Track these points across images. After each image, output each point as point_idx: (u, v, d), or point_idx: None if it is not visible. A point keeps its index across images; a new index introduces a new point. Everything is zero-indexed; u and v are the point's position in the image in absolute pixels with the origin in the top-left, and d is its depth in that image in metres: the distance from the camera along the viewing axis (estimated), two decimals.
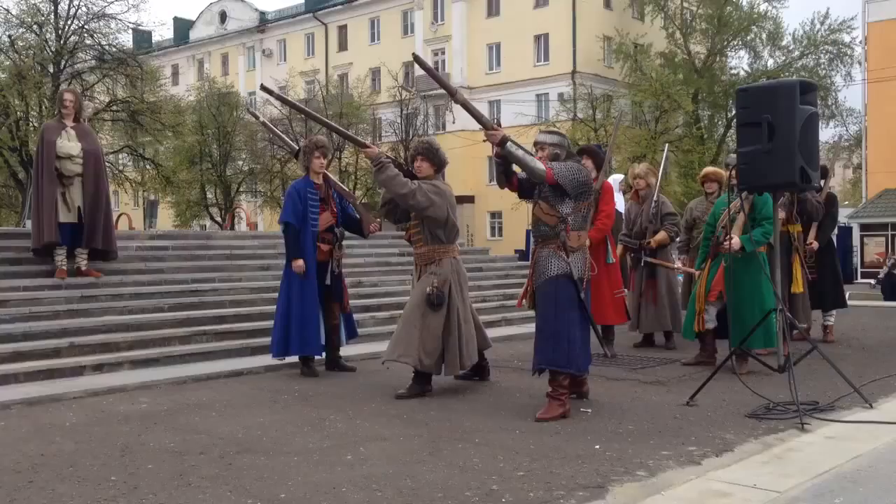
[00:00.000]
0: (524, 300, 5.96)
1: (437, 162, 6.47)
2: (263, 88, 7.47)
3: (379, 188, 6.50)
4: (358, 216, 7.53)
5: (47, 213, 8.16)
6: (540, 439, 4.80)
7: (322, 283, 7.24)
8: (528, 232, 6.56)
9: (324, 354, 7.45)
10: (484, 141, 5.59)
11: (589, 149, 8.02)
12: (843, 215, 26.29)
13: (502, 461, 4.33)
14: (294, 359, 7.41)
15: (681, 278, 9.22)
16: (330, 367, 7.46)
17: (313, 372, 7.28)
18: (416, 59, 5.97)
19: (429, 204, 6.21)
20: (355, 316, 9.46)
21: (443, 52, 45.65)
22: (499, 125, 5.59)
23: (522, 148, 5.53)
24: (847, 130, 38.93)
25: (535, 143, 5.75)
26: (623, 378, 6.86)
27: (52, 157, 8.22)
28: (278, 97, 7.55)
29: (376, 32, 48.82)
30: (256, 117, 10.38)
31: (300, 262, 7.10)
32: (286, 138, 9.68)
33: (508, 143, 5.44)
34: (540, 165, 5.43)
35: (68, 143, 8.33)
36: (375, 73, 46.15)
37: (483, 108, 45.00)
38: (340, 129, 7.22)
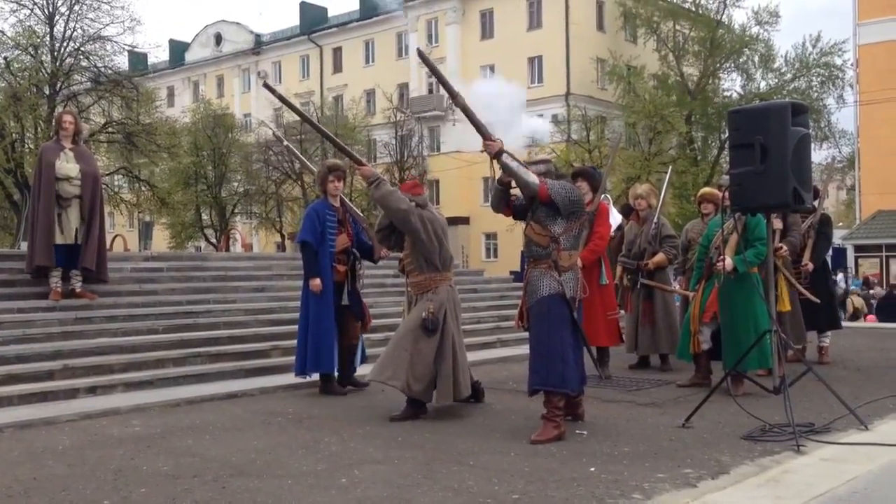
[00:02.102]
0: (520, 321, 5.96)
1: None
2: (266, 86, 7.51)
3: (375, 208, 6.50)
4: (370, 242, 7.58)
5: (42, 236, 8.15)
6: (535, 462, 4.78)
7: (339, 303, 7.34)
8: (522, 253, 6.58)
9: (336, 373, 7.50)
10: (481, 151, 5.61)
11: (584, 171, 8.06)
12: (838, 236, 26.36)
13: (497, 484, 4.31)
14: (300, 379, 7.48)
15: (678, 300, 9.22)
16: (342, 384, 7.51)
17: (334, 390, 7.32)
18: (421, 55, 6.06)
19: (422, 227, 6.22)
20: None
21: None
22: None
23: (518, 161, 5.55)
24: (840, 152, 39.12)
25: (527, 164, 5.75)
26: (618, 400, 6.84)
27: (51, 179, 8.23)
28: (279, 97, 7.57)
29: (371, 54, 49.10)
30: (280, 140, 10.47)
31: (317, 280, 7.18)
32: (308, 163, 9.79)
33: (504, 155, 5.46)
34: (534, 179, 5.45)
35: (67, 165, 8.35)
36: (370, 95, 46.36)
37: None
38: (337, 140, 7.25)
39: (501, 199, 5.81)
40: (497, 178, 5.64)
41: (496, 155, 5.46)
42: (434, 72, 6.05)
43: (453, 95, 5.75)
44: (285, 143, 10.08)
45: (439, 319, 6.17)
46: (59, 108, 28.44)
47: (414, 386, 6.11)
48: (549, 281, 5.51)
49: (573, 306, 5.53)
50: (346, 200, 7.63)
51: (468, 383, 6.33)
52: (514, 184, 5.61)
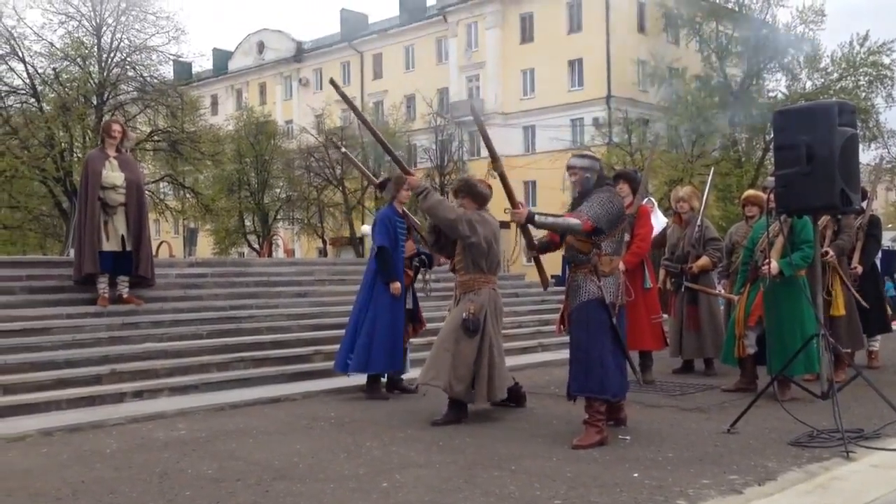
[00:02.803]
0: (561, 325, 5.93)
1: (479, 198, 6.48)
2: (332, 83, 7.58)
3: (425, 217, 6.53)
4: (428, 250, 7.64)
5: (89, 244, 8.30)
6: (577, 467, 4.75)
7: (404, 307, 7.50)
8: (563, 258, 6.54)
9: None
10: (511, 221, 5.62)
11: (625, 174, 8.01)
12: (887, 238, 25.76)
13: (539, 489, 4.29)
14: (340, 383, 7.60)
15: (722, 304, 9.09)
16: (390, 388, 7.62)
17: (382, 395, 7.41)
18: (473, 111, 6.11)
19: (472, 232, 6.23)
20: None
21: (477, 79, 45.92)
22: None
23: (550, 215, 5.58)
24: (889, 152, 38.27)
25: (568, 168, 5.73)
26: (662, 405, 6.77)
27: (97, 187, 8.38)
28: (342, 95, 7.60)
29: (411, 60, 49.29)
30: (338, 147, 10.62)
31: (398, 284, 7.32)
32: (367, 171, 9.92)
33: (536, 217, 5.45)
34: (575, 221, 5.42)
35: (112, 174, 8.50)
36: (410, 101, 46.53)
37: (517, 134, 45.14)
38: (390, 148, 7.30)
39: (527, 244, 5.88)
40: (527, 254, 5.79)
41: (528, 221, 5.43)
42: (482, 131, 6.17)
43: (495, 159, 5.91)
44: (343, 150, 10.21)
45: (480, 320, 6.18)
46: (107, 118, 29.07)
47: (455, 386, 6.13)
48: (589, 286, 5.49)
49: (613, 312, 5.48)
50: (407, 211, 7.76)
51: (504, 386, 6.31)
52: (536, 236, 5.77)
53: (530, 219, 5.41)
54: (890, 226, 35.72)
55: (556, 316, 6.18)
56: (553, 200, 29.72)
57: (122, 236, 8.49)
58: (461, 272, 6.43)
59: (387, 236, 7.32)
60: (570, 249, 5.66)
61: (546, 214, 5.54)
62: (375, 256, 7.46)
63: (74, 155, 28.64)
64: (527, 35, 44.21)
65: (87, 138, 28.55)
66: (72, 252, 9.89)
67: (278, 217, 45.44)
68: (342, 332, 9.38)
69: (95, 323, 8.16)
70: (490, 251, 6.33)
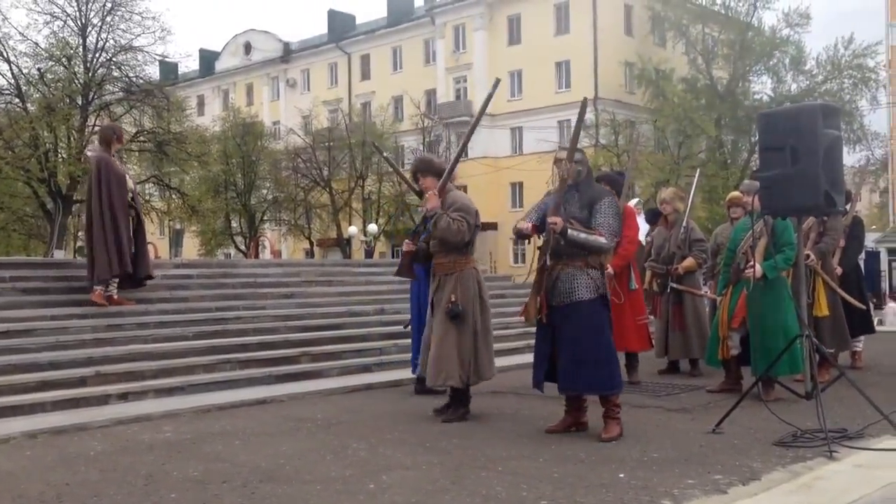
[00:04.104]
0: (532, 316, 5.75)
1: (436, 171, 6.53)
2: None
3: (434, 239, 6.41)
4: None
5: (120, 245, 8.42)
6: (564, 468, 4.76)
7: None
8: (542, 248, 6.49)
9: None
10: (549, 228, 5.54)
11: (607, 176, 8.02)
12: (871, 239, 25.97)
13: (525, 490, 4.30)
14: (327, 384, 7.57)
15: (708, 305, 9.14)
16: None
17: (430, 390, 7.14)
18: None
19: (473, 234, 6.32)
20: (379, 344, 9.53)
21: (464, 80, 45.99)
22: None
23: (582, 231, 5.50)
24: (873, 154, 38.57)
25: (556, 161, 5.73)
26: (648, 405, 6.79)
27: (124, 189, 8.56)
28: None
29: (398, 61, 49.31)
30: (380, 151, 10.65)
31: None
32: (406, 176, 9.98)
33: (569, 231, 5.45)
34: (603, 241, 5.50)
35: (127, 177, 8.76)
36: (398, 102, 46.58)
37: (505, 135, 45.18)
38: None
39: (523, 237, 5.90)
40: (541, 261, 5.65)
41: (563, 232, 5.43)
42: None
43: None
44: (385, 154, 10.26)
45: (460, 304, 6.17)
46: (92, 118, 28.94)
47: (464, 376, 6.18)
48: (585, 281, 5.51)
49: (608, 304, 5.62)
50: None
51: (484, 372, 6.30)
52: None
53: (564, 231, 5.42)
54: (874, 227, 36.00)
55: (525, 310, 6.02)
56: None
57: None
58: (440, 255, 6.37)
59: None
60: (558, 242, 5.57)
61: (578, 229, 5.48)
62: None
63: (59, 155, 28.48)
64: (514, 37, 44.32)
65: (71, 139, 28.41)
66: (57, 253, 9.91)
67: (265, 218, 45.34)
68: (329, 333, 9.45)
69: (80, 324, 8.11)
70: (475, 236, 6.38)
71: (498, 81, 6.73)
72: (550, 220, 5.47)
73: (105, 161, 8.58)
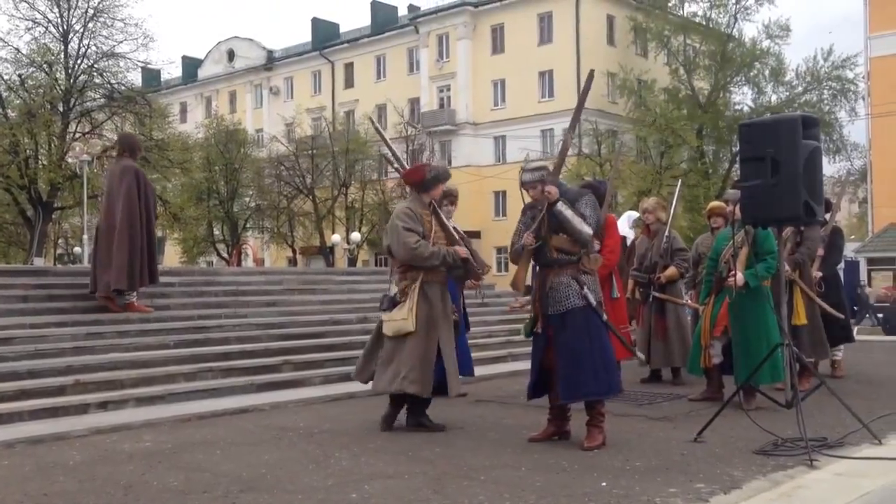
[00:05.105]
0: (533, 328, 5.76)
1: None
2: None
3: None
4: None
5: (156, 255, 8.86)
6: (547, 476, 4.76)
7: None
8: (534, 267, 6.50)
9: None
10: (541, 193, 5.50)
11: (589, 185, 8.04)
12: (850, 249, 26.21)
13: (508, 499, 4.29)
14: (309, 393, 7.68)
15: (690, 314, 9.19)
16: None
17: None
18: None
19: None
20: (358, 352, 9.47)
21: (448, 89, 46.07)
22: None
23: (568, 209, 5.48)
24: (852, 165, 39.03)
25: (525, 184, 5.63)
26: (630, 414, 6.81)
27: (154, 200, 8.99)
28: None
29: (382, 70, 49.36)
30: (391, 163, 10.62)
31: None
32: (395, 155, 9.96)
33: (560, 204, 5.44)
34: (587, 229, 5.47)
35: None
36: (381, 110, 46.56)
37: (488, 144, 45.26)
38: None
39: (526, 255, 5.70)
40: (527, 243, 5.55)
41: (553, 203, 5.42)
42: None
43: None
44: (376, 126, 10.20)
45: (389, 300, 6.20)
46: (73, 125, 28.75)
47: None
48: (577, 288, 5.50)
49: (601, 310, 5.62)
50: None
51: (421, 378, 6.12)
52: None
53: (555, 202, 5.41)
54: (853, 237, 36.33)
55: (525, 323, 6.04)
56: None
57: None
58: (400, 269, 6.30)
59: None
60: (549, 253, 5.57)
61: (565, 208, 5.46)
62: None
63: (39, 162, 28.26)
64: (498, 46, 44.49)
65: (52, 145, 28.20)
66: (37, 261, 9.96)
67: (248, 226, 45.18)
68: (312, 341, 9.41)
69: (59, 333, 8.04)
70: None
71: (592, 74, 6.57)
72: (547, 188, 5.45)
73: (141, 172, 8.79)
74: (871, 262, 31.37)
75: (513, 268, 5.89)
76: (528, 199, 5.75)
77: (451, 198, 7.45)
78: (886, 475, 4.68)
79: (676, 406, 7.22)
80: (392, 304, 6.24)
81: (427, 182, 6.31)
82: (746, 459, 5.12)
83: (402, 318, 6.10)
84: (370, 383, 6.41)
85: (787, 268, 7.88)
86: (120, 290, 8.72)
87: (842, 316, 8.55)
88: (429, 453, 5.46)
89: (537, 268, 5.71)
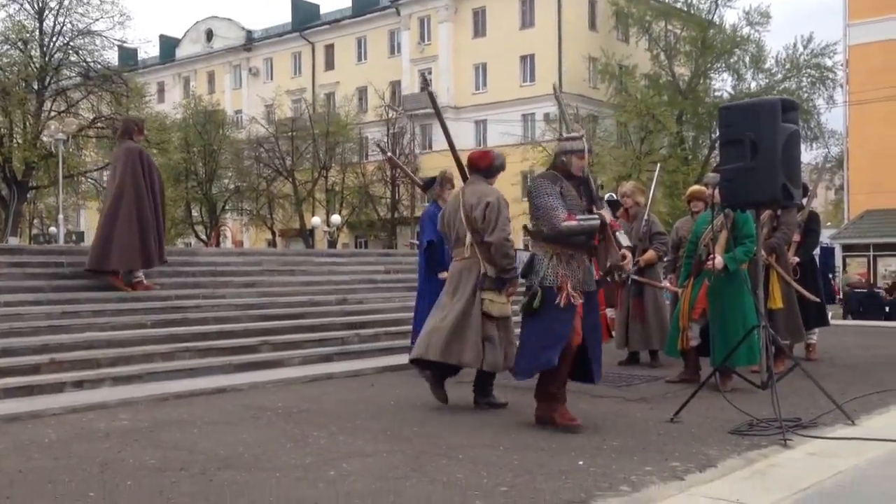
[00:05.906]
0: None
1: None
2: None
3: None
4: None
5: (160, 237, 8.88)
6: (524, 455, 4.79)
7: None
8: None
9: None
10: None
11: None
12: (826, 236, 26.46)
13: (486, 477, 4.31)
14: (287, 374, 7.61)
15: (668, 297, 9.24)
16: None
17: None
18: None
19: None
20: (341, 333, 9.48)
21: (429, 72, 45.89)
22: None
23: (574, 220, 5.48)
24: (829, 152, 39.33)
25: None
26: (607, 395, 6.85)
27: (160, 179, 9.11)
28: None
29: (363, 52, 49.05)
30: (384, 151, 10.68)
31: (446, 272, 7.02)
32: (413, 174, 10.00)
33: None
34: (595, 220, 5.52)
35: None
36: (362, 93, 46.36)
37: (469, 128, 45.20)
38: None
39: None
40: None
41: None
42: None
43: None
44: (388, 154, 10.27)
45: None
46: (49, 103, 28.37)
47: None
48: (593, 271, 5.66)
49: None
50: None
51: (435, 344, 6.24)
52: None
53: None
54: (829, 224, 36.70)
55: (516, 308, 6.05)
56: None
57: None
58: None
59: (433, 232, 7.43)
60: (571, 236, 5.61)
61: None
62: (424, 251, 7.72)
63: (14, 140, 27.89)
64: (479, 29, 44.33)
65: (27, 124, 27.83)
66: (12, 240, 9.96)
67: (227, 208, 44.89)
68: (290, 322, 9.38)
69: (34, 311, 7.96)
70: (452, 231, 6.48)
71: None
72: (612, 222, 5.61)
73: (145, 153, 8.77)
74: (846, 248, 31.69)
75: None
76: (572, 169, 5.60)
77: (450, 183, 7.83)
78: (859, 455, 4.75)
79: (654, 388, 7.27)
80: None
81: (493, 168, 6.51)
82: (722, 439, 5.17)
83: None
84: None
85: (763, 254, 7.95)
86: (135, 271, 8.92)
87: (817, 299, 8.64)
88: (407, 433, 5.47)
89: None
